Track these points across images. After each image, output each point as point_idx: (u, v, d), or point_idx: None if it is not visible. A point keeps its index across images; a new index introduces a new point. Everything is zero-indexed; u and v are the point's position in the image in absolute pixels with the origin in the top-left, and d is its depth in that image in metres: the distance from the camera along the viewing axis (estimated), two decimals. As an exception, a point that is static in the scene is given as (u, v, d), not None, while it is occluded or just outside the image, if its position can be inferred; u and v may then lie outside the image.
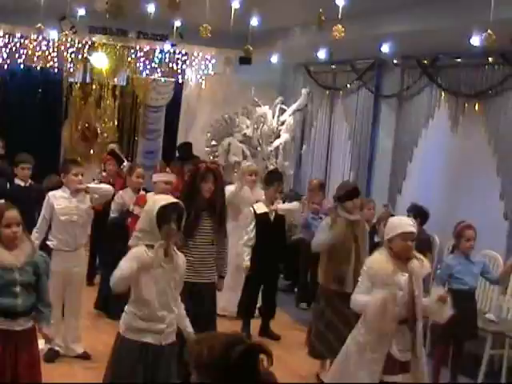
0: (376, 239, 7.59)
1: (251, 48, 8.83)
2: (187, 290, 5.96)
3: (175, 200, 5.03)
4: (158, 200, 4.96)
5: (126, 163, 10.40)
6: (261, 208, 8.18)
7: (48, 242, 6.91)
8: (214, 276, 6.52)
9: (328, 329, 6.93)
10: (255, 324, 8.37)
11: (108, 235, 8.54)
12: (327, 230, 6.93)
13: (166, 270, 4.89)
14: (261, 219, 8.12)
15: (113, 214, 8.29)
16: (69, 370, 6.83)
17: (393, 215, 7.60)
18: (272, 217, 8.22)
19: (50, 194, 7.02)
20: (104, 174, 9.88)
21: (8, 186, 8.70)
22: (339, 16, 7.31)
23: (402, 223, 5.42)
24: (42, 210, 6.95)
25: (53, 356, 6.89)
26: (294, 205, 8.92)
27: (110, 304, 8.16)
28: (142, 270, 4.83)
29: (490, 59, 8.58)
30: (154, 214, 4.80)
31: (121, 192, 8.41)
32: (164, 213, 4.81)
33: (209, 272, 6.42)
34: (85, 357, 7.09)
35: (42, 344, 5.66)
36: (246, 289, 8.41)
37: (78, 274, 7.05)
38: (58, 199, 6.92)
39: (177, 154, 12.35)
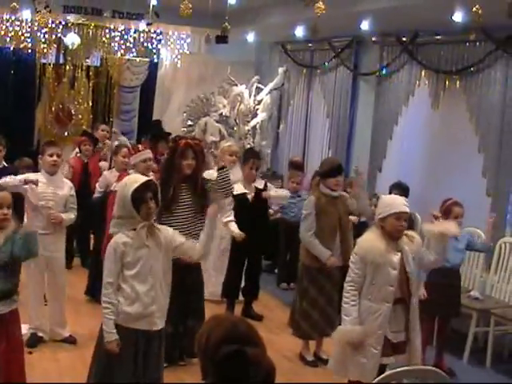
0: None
1: (229, 26, 8.71)
2: None
3: (145, 178, 4.89)
4: (128, 184, 4.76)
5: (100, 143, 10.26)
6: (239, 189, 8.06)
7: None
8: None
9: (313, 307, 6.89)
10: (238, 305, 8.32)
11: (88, 217, 8.42)
12: (312, 207, 6.86)
13: (151, 249, 4.74)
14: (239, 200, 8.01)
15: (97, 195, 8.15)
16: (51, 355, 6.71)
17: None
18: (251, 196, 8.11)
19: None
20: (78, 154, 9.69)
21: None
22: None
23: (396, 202, 5.26)
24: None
25: (35, 341, 6.77)
26: (285, 193, 8.84)
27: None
28: (125, 256, 4.69)
29: (472, 36, 8.51)
30: (129, 199, 4.66)
31: (105, 172, 8.28)
32: (138, 194, 4.66)
33: None
34: (71, 341, 6.98)
35: (24, 329, 5.56)
36: (230, 270, 8.32)
37: (57, 259, 6.90)
38: None
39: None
